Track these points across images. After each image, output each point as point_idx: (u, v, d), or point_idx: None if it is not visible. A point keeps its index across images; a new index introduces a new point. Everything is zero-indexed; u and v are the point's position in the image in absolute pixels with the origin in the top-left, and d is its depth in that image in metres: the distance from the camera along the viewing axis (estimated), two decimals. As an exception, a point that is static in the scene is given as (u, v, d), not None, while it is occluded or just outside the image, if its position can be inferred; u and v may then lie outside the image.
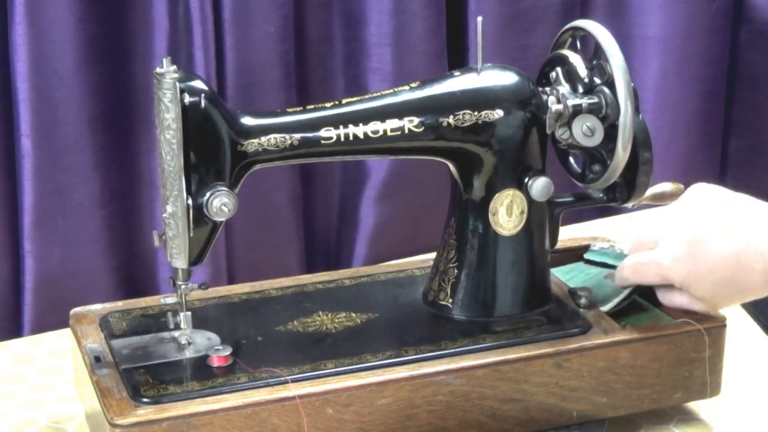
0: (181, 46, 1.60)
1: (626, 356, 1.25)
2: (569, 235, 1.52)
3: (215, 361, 1.20)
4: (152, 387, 1.16)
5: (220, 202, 1.18)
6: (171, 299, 1.32)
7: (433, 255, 1.37)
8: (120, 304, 1.34)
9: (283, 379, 1.17)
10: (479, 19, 1.26)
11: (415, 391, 1.19)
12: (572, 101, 1.26)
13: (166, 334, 1.25)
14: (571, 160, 1.35)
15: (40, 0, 1.52)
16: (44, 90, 1.55)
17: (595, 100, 1.26)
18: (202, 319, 1.28)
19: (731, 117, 2.07)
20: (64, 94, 1.57)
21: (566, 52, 1.31)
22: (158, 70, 1.16)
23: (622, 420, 1.30)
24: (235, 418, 1.14)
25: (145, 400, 1.14)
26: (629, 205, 1.33)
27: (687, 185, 1.45)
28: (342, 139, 1.22)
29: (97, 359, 1.22)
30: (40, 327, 1.60)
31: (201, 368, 1.20)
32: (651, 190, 1.36)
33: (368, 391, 1.18)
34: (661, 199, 1.40)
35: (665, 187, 1.39)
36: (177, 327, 1.24)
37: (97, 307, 1.33)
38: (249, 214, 1.68)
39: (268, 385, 1.16)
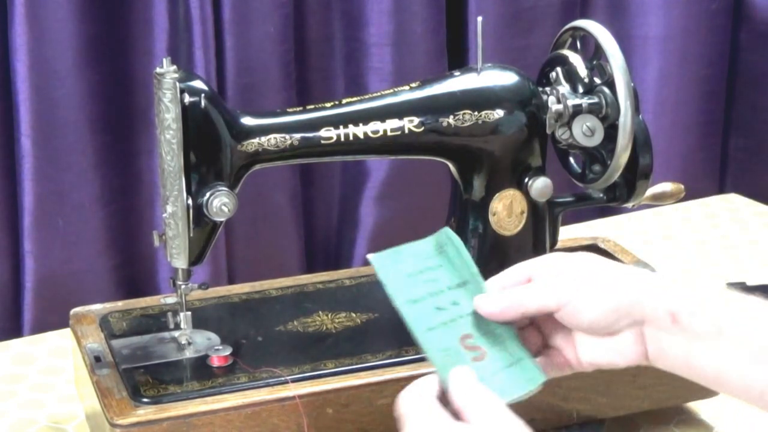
0: (181, 46, 1.61)
1: (627, 356, 1.25)
2: (569, 235, 1.52)
3: (215, 361, 1.20)
4: (152, 387, 1.16)
5: (220, 202, 1.18)
6: (171, 299, 1.32)
7: (431, 255, 1.37)
8: (120, 304, 1.34)
9: (283, 379, 1.17)
10: (479, 19, 1.25)
11: (414, 391, 1.19)
12: (572, 101, 1.26)
13: (166, 334, 1.25)
14: (571, 160, 1.35)
15: (40, 0, 1.52)
16: (44, 90, 1.55)
17: (595, 100, 1.26)
18: (202, 319, 1.27)
19: (731, 117, 2.07)
20: (64, 94, 1.57)
21: (566, 52, 1.31)
22: (158, 70, 1.16)
23: (622, 420, 1.30)
24: (235, 418, 1.14)
25: (145, 400, 1.14)
26: (629, 205, 1.33)
27: (687, 185, 1.45)
28: (342, 139, 1.22)
29: (97, 359, 1.22)
30: (40, 327, 1.60)
31: (201, 368, 1.20)
32: (651, 190, 1.36)
33: (368, 391, 1.17)
34: (661, 199, 1.40)
35: (665, 187, 1.39)
36: (177, 327, 1.24)
37: (97, 307, 1.33)
38: (249, 214, 1.68)
39: (268, 385, 1.16)
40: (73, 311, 1.32)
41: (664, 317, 0.97)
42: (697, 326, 0.96)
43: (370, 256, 1.00)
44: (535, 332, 1.03)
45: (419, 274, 1.01)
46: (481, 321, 1.00)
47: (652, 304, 0.97)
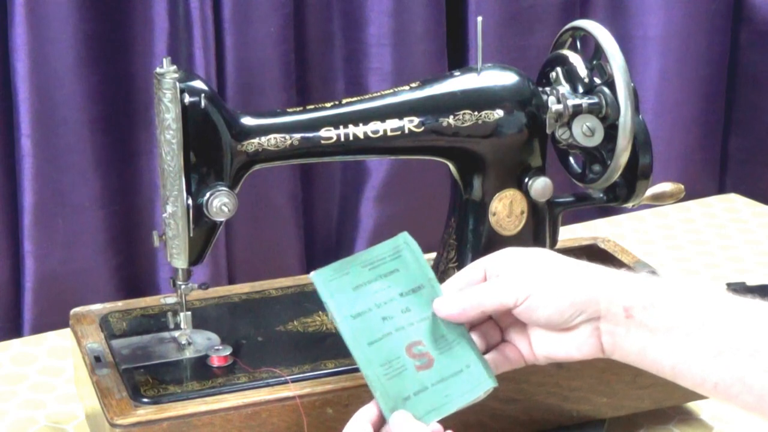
0: (181, 46, 1.60)
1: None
2: (569, 235, 1.52)
3: (215, 361, 1.20)
4: (152, 387, 1.16)
5: (220, 202, 1.17)
6: (171, 299, 1.32)
7: (430, 255, 1.37)
8: (120, 304, 1.34)
9: (283, 379, 1.17)
10: (479, 18, 1.25)
11: (415, 391, 1.19)
12: (572, 101, 1.26)
13: (166, 334, 1.25)
14: (571, 160, 1.35)
15: (40, 0, 1.52)
16: (44, 90, 1.55)
17: (595, 100, 1.26)
18: (202, 319, 1.27)
19: (731, 117, 2.07)
20: (64, 94, 1.57)
21: (566, 52, 1.31)
22: (158, 70, 1.16)
23: (622, 420, 1.30)
24: (235, 418, 1.14)
25: (145, 400, 1.14)
26: (629, 205, 1.33)
27: (687, 185, 1.45)
28: (342, 139, 1.22)
29: (97, 359, 1.21)
30: (40, 327, 1.59)
31: (201, 368, 1.20)
32: (651, 190, 1.36)
33: (368, 392, 1.17)
34: (661, 199, 1.40)
35: (665, 187, 1.39)
36: (177, 327, 1.24)
37: (97, 307, 1.33)
38: (249, 214, 1.68)
39: (268, 385, 1.16)
40: (73, 311, 1.32)
41: (618, 312, 0.98)
42: (651, 321, 0.97)
43: (312, 274, 1.01)
44: (493, 326, 1.04)
45: (368, 285, 1.02)
46: (432, 326, 1.01)
47: (606, 300, 0.99)
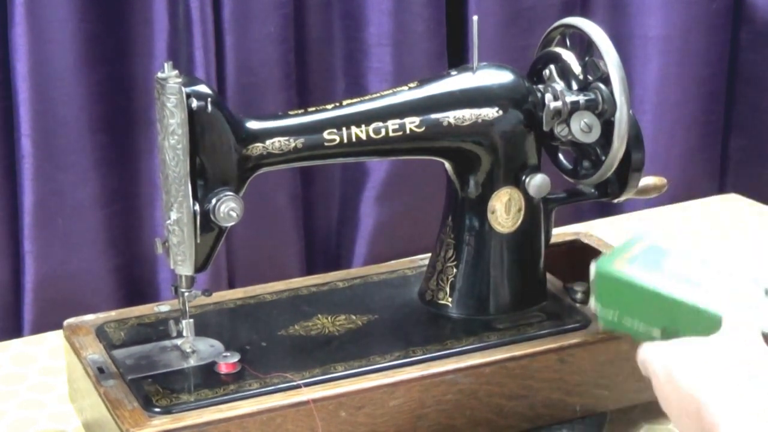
0: (181, 46, 1.60)
1: (627, 349, 1.24)
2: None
3: (223, 368, 1.19)
4: (163, 396, 1.15)
5: (228, 208, 1.17)
6: (164, 307, 1.31)
7: (423, 255, 1.37)
8: (113, 314, 1.33)
9: (295, 383, 1.16)
10: (474, 18, 1.27)
11: (425, 391, 1.19)
12: (570, 98, 1.26)
13: (167, 343, 1.24)
14: (561, 156, 1.35)
15: (40, 0, 1.52)
16: (44, 90, 1.55)
17: (592, 96, 1.27)
18: (200, 326, 1.26)
19: (731, 117, 2.07)
20: (64, 94, 1.56)
21: (558, 49, 1.31)
22: (159, 75, 1.15)
23: (623, 419, 1.30)
24: (250, 425, 1.13)
25: (158, 409, 1.13)
26: (621, 199, 1.34)
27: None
28: (345, 140, 1.22)
29: (101, 370, 1.20)
30: (40, 327, 1.59)
31: (209, 376, 1.19)
32: (635, 184, 1.36)
33: (380, 393, 1.17)
34: (645, 193, 1.40)
35: (649, 180, 1.40)
36: (179, 335, 1.22)
37: (90, 317, 1.32)
38: (249, 215, 1.66)
39: (280, 390, 1.16)
40: (66, 322, 1.31)
41: None
42: None
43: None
44: None
45: None
46: None
47: None
